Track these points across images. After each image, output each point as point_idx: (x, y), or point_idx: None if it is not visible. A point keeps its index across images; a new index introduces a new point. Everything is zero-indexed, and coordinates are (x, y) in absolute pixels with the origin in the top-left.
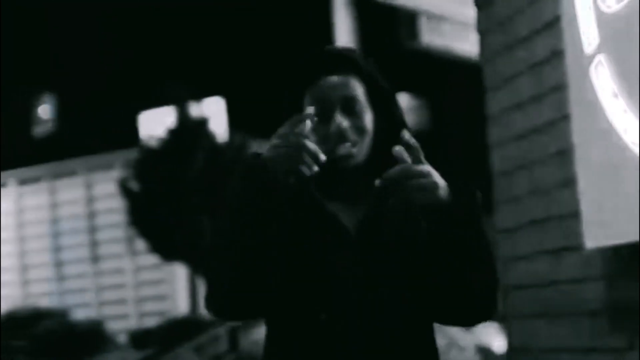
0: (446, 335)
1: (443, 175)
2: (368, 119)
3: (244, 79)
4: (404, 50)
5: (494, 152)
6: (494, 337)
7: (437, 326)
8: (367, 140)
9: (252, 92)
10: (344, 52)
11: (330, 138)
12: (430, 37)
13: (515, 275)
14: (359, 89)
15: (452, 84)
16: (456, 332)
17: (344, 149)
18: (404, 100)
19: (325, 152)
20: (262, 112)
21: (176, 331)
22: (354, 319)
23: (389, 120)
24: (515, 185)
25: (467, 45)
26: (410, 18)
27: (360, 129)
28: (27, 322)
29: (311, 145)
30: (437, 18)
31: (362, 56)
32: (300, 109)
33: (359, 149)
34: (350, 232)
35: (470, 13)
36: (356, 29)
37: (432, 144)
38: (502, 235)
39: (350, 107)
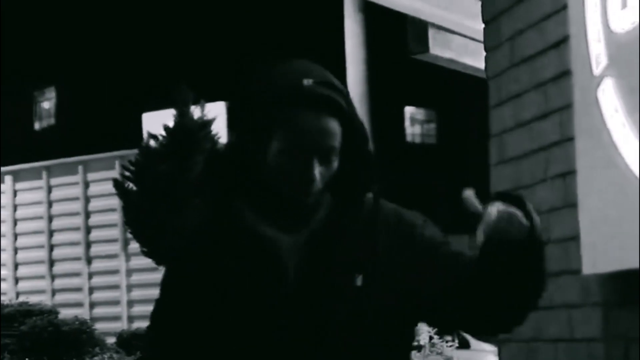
0: None
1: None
2: (337, 162)
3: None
4: (413, 61)
5: (493, 171)
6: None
7: None
8: (335, 180)
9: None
10: (329, 92)
11: (300, 183)
12: (439, 49)
13: None
14: (337, 135)
15: (461, 97)
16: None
17: (310, 196)
18: (411, 112)
19: (289, 193)
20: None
21: None
22: None
23: (354, 151)
24: None
25: (474, 59)
26: (419, 29)
27: (328, 177)
28: (15, 319)
29: None
30: (446, 30)
31: (343, 92)
32: (269, 130)
33: (319, 191)
34: (288, 273)
35: (478, 27)
36: (365, 37)
37: (440, 157)
38: None
39: (326, 157)
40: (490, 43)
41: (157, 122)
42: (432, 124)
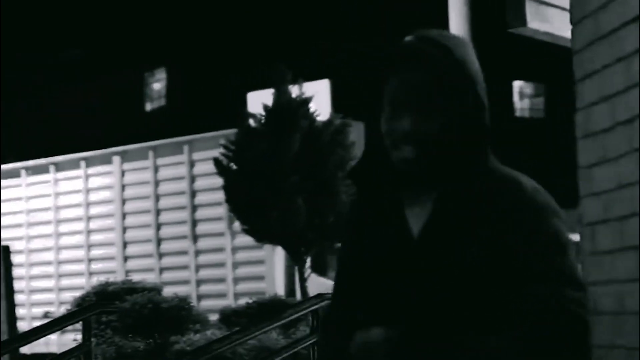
0: None
1: None
2: (438, 118)
3: (356, 63)
4: (512, 36)
5: (580, 145)
6: None
7: None
8: (436, 141)
9: (360, 76)
10: (423, 46)
11: (394, 139)
12: (537, 22)
13: (596, 270)
14: (433, 86)
15: (569, 70)
16: None
17: (404, 152)
18: (520, 86)
19: (390, 153)
20: (365, 95)
21: (263, 311)
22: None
23: (466, 110)
24: (599, 180)
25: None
26: (517, 3)
27: (427, 131)
28: (120, 296)
29: None
30: (544, 4)
31: (446, 46)
32: (380, 97)
33: (423, 151)
34: (413, 239)
35: None
36: (470, 13)
37: (546, 130)
38: (586, 229)
39: (420, 107)
40: (576, 16)
41: (261, 101)
42: (541, 98)
